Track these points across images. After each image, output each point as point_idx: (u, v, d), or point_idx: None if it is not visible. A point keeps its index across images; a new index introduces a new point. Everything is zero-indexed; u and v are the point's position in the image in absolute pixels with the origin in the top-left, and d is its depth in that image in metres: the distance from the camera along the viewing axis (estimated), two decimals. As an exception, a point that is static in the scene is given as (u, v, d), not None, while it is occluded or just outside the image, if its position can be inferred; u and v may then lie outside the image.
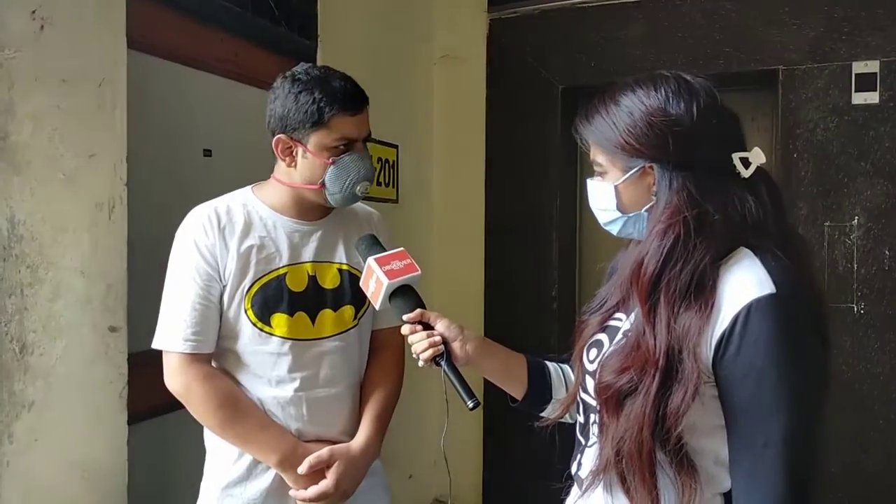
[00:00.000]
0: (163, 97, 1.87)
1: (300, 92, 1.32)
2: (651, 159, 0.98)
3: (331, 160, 1.33)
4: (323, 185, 1.35)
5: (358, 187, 1.35)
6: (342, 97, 1.32)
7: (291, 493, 1.35)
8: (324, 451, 1.35)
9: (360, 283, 1.23)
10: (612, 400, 0.95)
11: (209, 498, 1.39)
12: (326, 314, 1.41)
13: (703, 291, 0.91)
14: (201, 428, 1.42)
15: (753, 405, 0.89)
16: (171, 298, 1.35)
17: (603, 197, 1.04)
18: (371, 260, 1.19)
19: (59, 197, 1.42)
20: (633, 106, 0.98)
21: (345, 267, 1.44)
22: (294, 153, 1.36)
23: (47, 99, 1.39)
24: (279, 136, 1.36)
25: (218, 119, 2.06)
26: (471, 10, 3.10)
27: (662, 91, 0.98)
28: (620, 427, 0.93)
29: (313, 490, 1.33)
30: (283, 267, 1.38)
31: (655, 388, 0.90)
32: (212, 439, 1.41)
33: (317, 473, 1.34)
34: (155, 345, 1.35)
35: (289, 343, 1.36)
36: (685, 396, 0.89)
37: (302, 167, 1.36)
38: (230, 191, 1.46)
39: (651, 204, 1.00)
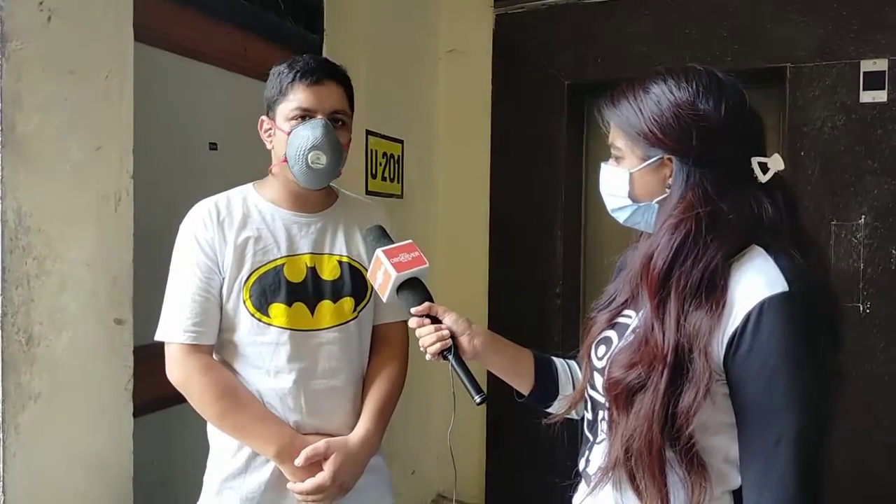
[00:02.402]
0: (169, 90, 1.87)
1: (273, 72, 1.40)
2: (671, 151, 0.97)
3: (289, 131, 1.35)
4: (286, 159, 1.36)
5: (310, 155, 1.32)
6: (300, 68, 1.35)
7: (289, 485, 1.35)
8: (320, 444, 1.34)
9: (368, 275, 1.23)
10: (622, 396, 0.94)
11: (210, 491, 1.40)
12: (325, 305, 1.40)
13: (714, 291, 0.90)
14: (206, 421, 1.42)
15: (765, 403, 0.88)
16: (173, 291, 1.36)
17: (615, 182, 1.03)
18: (379, 252, 1.18)
19: (65, 189, 1.42)
20: (662, 95, 0.97)
21: (345, 259, 1.44)
22: (271, 132, 1.41)
23: (54, 91, 1.39)
24: (261, 117, 1.42)
25: (224, 113, 2.06)
26: (477, 6, 3.10)
27: (694, 85, 0.96)
28: (630, 424, 0.93)
29: (310, 483, 1.32)
30: (281, 258, 1.39)
31: (664, 385, 0.90)
32: (214, 433, 1.41)
33: (314, 466, 1.34)
34: (157, 336, 1.36)
35: (287, 333, 1.36)
36: (697, 396, 0.88)
37: (275, 144, 1.40)
38: (236, 184, 1.47)
39: (664, 196, 0.99)
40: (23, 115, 1.33)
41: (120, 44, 1.54)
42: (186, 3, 1.86)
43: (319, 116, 1.35)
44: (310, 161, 1.33)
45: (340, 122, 1.39)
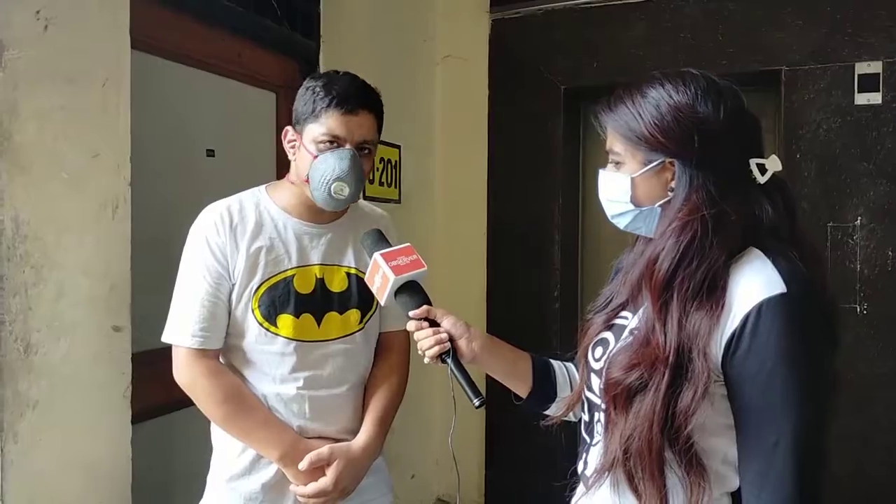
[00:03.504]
0: (166, 97, 1.87)
1: (308, 87, 1.37)
2: (673, 155, 0.97)
3: (315, 155, 1.34)
4: (308, 180, 1.36)
5: (333, 186, 1.32)
6: (337, 94, 1.33)
7: (291, 488, 1.37)
8: (324, 449, 1.36)
9: (366, 278, 1.23)
10: (621, 397, 0.94)
11: (214, 490, 1.41)
12: (332, 317, 1.41)
13: (714, 291, 0.91)
14: (204, 427, 1.43)
15: (764, 404, 0.88)
16: (182, 294, 1.36)
17: (616, 188, 1.03)
18: (377, 255, 1.18)
19: (62, 197, 1.42)
20: (661, 99, 0.97)
21: (353, 270, 1.45)
22: (295, 146, 1.40)
23: (51, 99, 1.39)
24: (287, 127, 1.41)
25: (221, 119, 2.06)
26: (473, 11, 3.11)
27: (692, 88, 0.97)
28: (629, 425, 0.92)
29: (312, 487, 1.34)
30: (292, 269, 1.39)
31: (665, 386, 0.90)
32: (218, 434, 1.42)
33: (317, 470, 1.35)
34: (164, 339, 1.36)
35: (294, 344, 1.37)
36: (695, 396, 0.88)
37: (297, 160, 1.40)
38: (233, 190, 1.46)
39: (666, 200, 0.99)
40: (20, 124, 1.33)
41: (117, 51, 1.54)
42: (183, 9, 1.86)
43: (348, 146, 1.34)
44: (333, 191, 1.33)
45: (367, 151, 1.39)
